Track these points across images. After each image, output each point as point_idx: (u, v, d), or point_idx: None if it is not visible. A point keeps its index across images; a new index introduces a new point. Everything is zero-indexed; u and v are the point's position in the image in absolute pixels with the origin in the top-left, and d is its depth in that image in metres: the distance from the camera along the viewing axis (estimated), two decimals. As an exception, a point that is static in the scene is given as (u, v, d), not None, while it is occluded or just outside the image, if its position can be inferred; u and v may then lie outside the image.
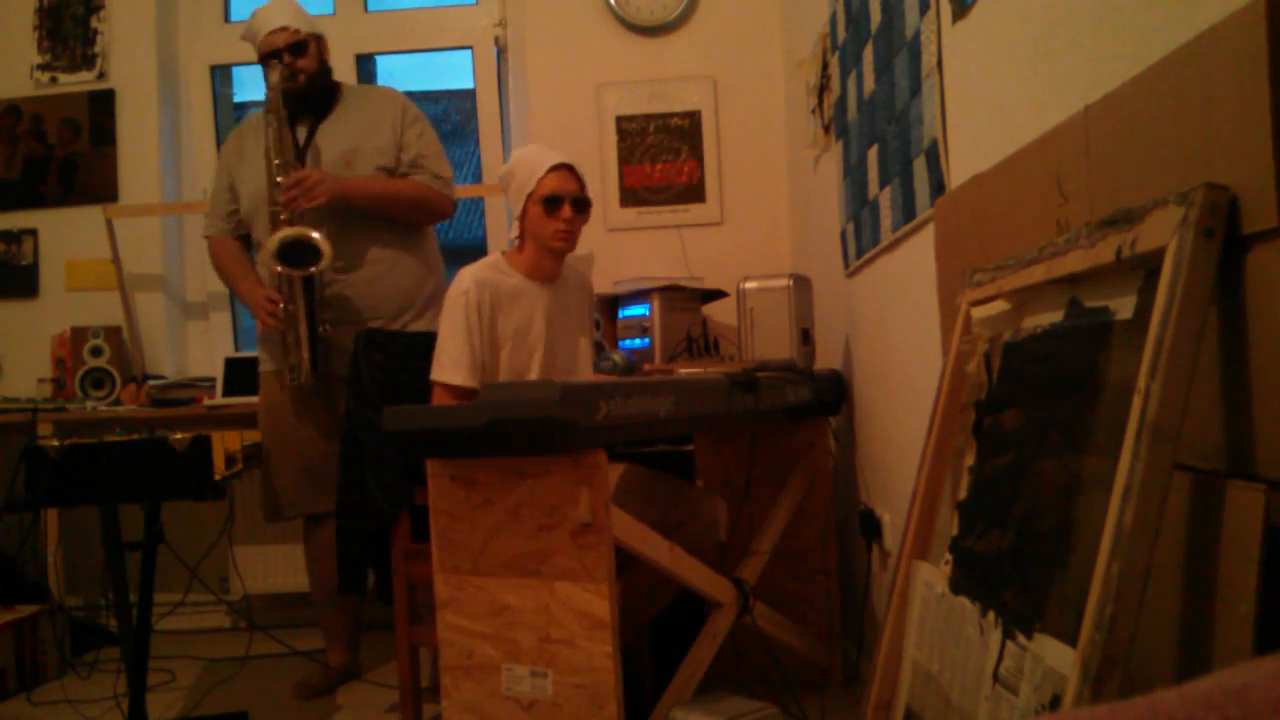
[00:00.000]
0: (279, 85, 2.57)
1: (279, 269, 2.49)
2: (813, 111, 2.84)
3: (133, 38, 3.58)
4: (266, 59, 2.60)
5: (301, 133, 2.66)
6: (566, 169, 2.15)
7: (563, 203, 2.13)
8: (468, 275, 2.13)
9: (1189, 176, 0.88)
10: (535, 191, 2.13)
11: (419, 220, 2.73)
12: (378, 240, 2.65)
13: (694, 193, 3.50)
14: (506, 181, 2.22)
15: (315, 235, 2.48)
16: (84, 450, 1.90)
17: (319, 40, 2.69)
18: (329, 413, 2.62)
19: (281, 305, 2.53)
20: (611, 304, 3.07)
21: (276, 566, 3.39)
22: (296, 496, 2.65)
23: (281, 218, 2.50)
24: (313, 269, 2.49)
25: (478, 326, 2.09)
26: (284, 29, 2.60)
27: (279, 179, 2.52)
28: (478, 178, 4.33)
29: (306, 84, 2.63)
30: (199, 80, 3.74)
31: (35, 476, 1.89)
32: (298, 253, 2.48)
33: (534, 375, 2.18)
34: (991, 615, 1.09)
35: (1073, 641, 0.87)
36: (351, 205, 2.57)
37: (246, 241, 2.74)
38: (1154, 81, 0.96)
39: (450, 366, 2.08)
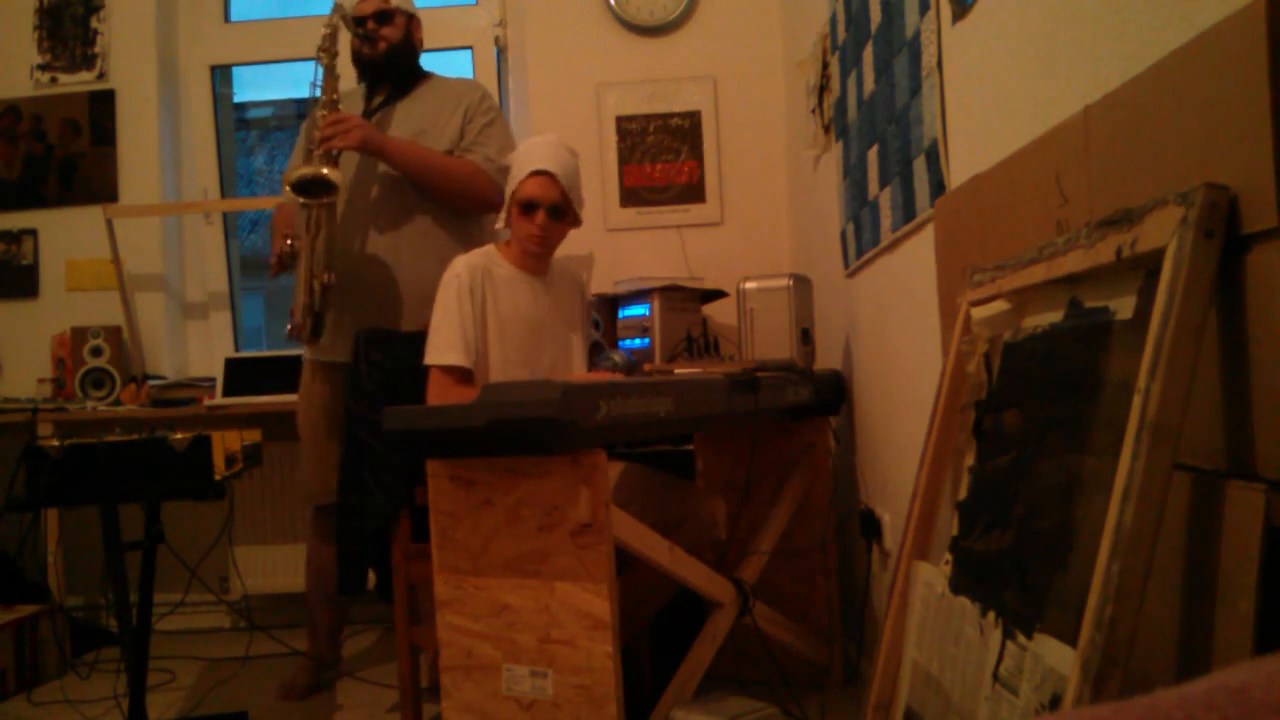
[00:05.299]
0: (353, 32, 2.59)
1: (298, 199, 2.47)
2: (813, 111, 2.84)
3: (133, 38, 3.58)
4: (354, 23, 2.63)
5: (376, 104, 2.67)
6: (547, 175, 2.16)
7: (537, 209, 2.16)
8: (460, 261, 2.18)
9: (1189, 176, 0.88)
10: (516, 192, 2.17)
11: (460, 200, 2.63)
12: (421, 223, 2.61)
13: (694, 193, 3.50)
14: (506, 171, 2.28)
15: (325, 170, 2.45)
16: (84, 450, 1.90)
17: (410, 19, 2.70)
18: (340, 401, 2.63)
19: (290, 242, 2.51)
20: (611, 304, 3.07)
21: (276, 566, 3.39)
22: (311, 486, 2.65)
23: (315, 153, 2.50)
24: (325, 199, 2.46)
25: (470, 309, 2.12)
26: None
27: (321, 112, 2.53)
28: (478, 178, 4.31)
29: (386, 53, 2.64)
30: (199, 80, 3.74)
31: (35, 476, 1.89)
32: (315, 189, 2.48)
33: (522, 364, 2.19)
34: (991, 615, 1.09)
35: (1073, 641, 0.87)
36: (389, 162, 2.55)
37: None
38: (1154, 81, 0.96)
39: (444, 349, 2.10)
